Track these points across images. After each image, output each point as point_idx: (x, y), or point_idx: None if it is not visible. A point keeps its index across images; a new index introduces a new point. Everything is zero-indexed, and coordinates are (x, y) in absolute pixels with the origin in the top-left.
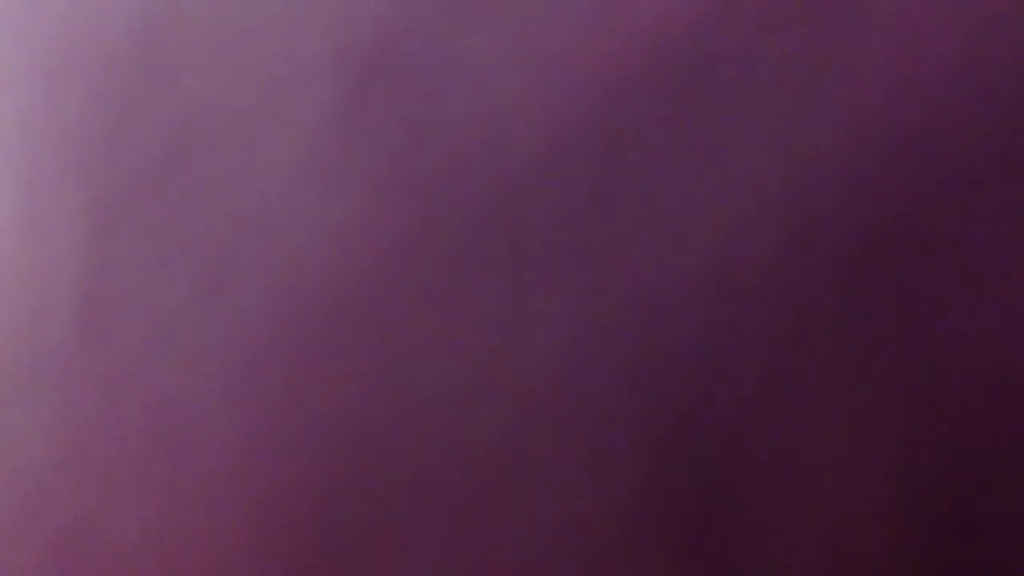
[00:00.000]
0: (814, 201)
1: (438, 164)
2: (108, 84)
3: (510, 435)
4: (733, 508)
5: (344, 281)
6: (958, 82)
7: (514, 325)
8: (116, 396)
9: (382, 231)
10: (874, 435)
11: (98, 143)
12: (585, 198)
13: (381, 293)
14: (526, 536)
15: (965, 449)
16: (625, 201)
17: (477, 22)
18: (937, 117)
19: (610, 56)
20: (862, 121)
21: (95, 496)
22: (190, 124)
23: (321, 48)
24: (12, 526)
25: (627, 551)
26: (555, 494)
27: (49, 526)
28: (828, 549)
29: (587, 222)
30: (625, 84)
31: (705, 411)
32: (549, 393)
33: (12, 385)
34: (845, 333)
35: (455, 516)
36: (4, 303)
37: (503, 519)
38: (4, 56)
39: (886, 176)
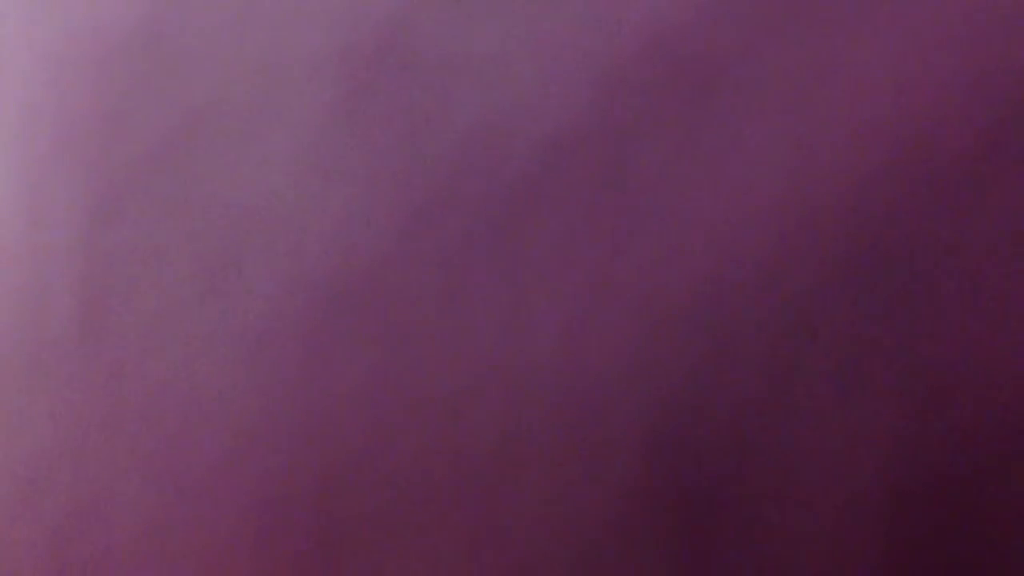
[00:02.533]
0: (815, 200)
1: (441, 158)
2: (112, 74)
3: (508, 431)
4: (729, 506)
5: (345, 274)
6: (961, 84)
7: (514, 322)
8: (116, 386)
9: (384, 224)
10: (870, 435)
11: (101, 133)
12: (586, 195)
13: (381, 287)
14: (523, 531)
15: (960, 449)
16: (627, 199)
17: (482, 17)
18: (939, 119)
19: (613, 53)
20: (864, 122)
21: (95, 483)
22: (193, 114)
23: (326, 40)
24: (12, 513)
25: (623, 548)
26: (552, 490)
27: (49, 513)
28: (823, 547)
29: (588, 219)
30: (628, 82)
31: (703, 410)
32: (548, 389)
33: (13, 374)
34: (844, 333)
35: (453, 510)
36: (6, 292)
37: (500, 514)
38: (7, 47)
39: (888, 176)
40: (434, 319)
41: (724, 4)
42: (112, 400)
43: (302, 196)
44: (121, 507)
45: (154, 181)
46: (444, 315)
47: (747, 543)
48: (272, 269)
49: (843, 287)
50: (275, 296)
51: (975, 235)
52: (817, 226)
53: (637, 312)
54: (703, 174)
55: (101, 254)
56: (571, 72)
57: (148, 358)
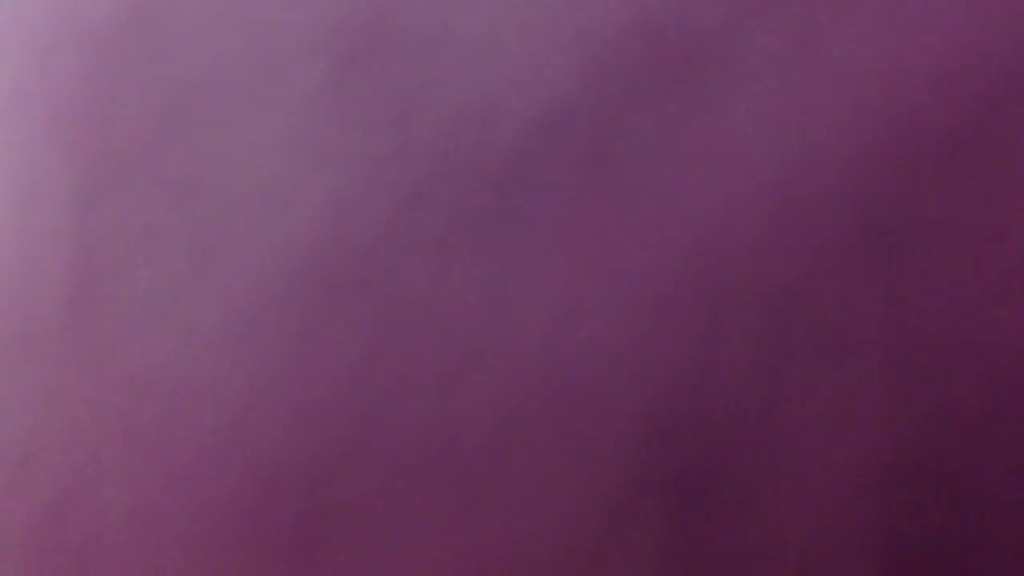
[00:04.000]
0: (805, 181)
1: (429, 141)
2: (98, 59)
3: (498, 418)
4: (721, 489)
5: (333, 259)
6: (951, 63)
7: (503, 306)
8: (105, 368)
9: (372, 209)
10: (861, 417)
11: (89, 115)
12: (575, 178)
13: (370, 272)
14: (514, 517)
15: (952, 430)
16: (616, 181)
17: (470, 0)
18: (929, 99)
19: (602, 33)
20: (854, 102)
21: (84, 466)
22: (181, 99)
23: (312, 23)
24: (1, 495)
25: (615, 533)
26: (542, 479)
27: (37, 499)
28: (815, 528)
29: (578, 202)
30: (617, 62)
31: (695, 394)
32: (537, 374)
33: (1, 356)
34: (834, 315)
35: (442, 495)
36: None
37: (490, 500)
38: None
39: (878, 157)
40: (423, 302)
41: None
42: (101, 383)
43: (291, 178)
44: (110, 490)
45: (142, 164)
46: (433, 298)
47: (740, 526)
48: (261, 251)
49: (833, 269)
50: (264, 279)
51: (965, 216)
52: (807, 208)
53: (627, 295)
54: (692, 156)
55: (90, 237)
56: (560, 52)
57: (137, 340)
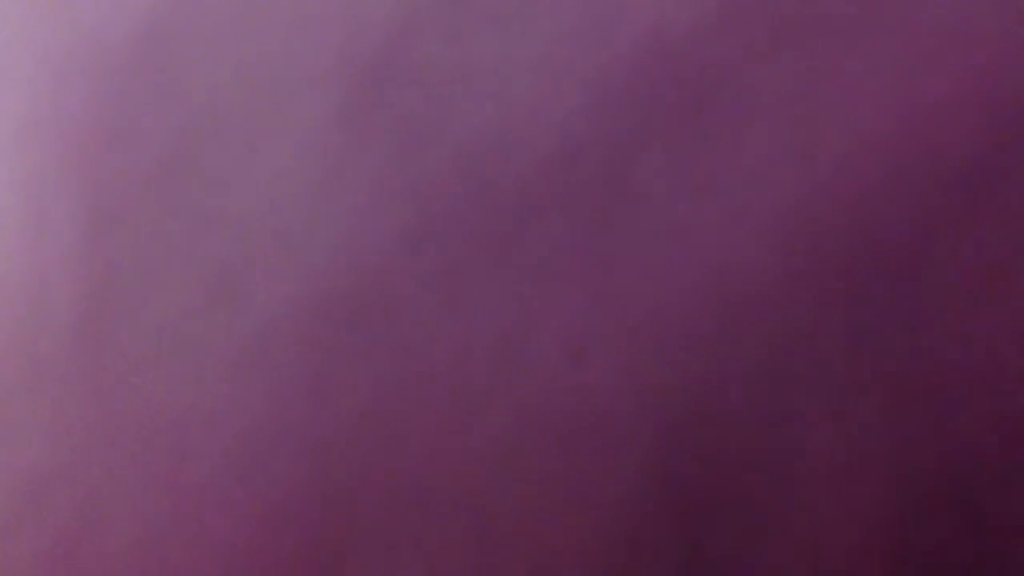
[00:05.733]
0: (817, 210)
1: (443, 168)
2: (112, 83)
3: (512, 442)
4: (731, 516)
5: (346, 289)
6: (963, 91)
7: (517, 332)
8: (117, 398)
9: (387, 235)
10: (872, 443)
11: (100, 143)
12: (590, 205)
13: (385, 298)
14: (525, 544)
15: (963, 455)
16: (629, 209)
17: (483, 27)
18: (941, 128)
19: (614, 66)
20: (865, 132)
21: (95, 496)
22: (194, 125)
23: (327, 49)
24: (11, 526)
25: (626, 560)
26: (557, 500)
27: (48, 527)
28: (826, 554)
29: (592, 229)
30: (629, 95)
31: (705, 421)
32: (550, 402)
33: (11, 385)
34: (845, 343)
35: (454, 523)
36: (3, 303)
37: (502, 528)
38: (6, 54)
39: (889, 186)
40: (436, 333)
41: (724, 15)
42: (112, 411)
43: (304, 207)
44: (121, 519)
45: (154, 191)
46: (446, 329)
47: (750, 553)
48: (274, 280)
49: (844, 297)
50: (277, 307)
51: (977, 245)
52: (817, 241)
53: (639, 324)
54: (704, 188)
55: (100, 265)
56: (573, 83)
57: (149, 369)
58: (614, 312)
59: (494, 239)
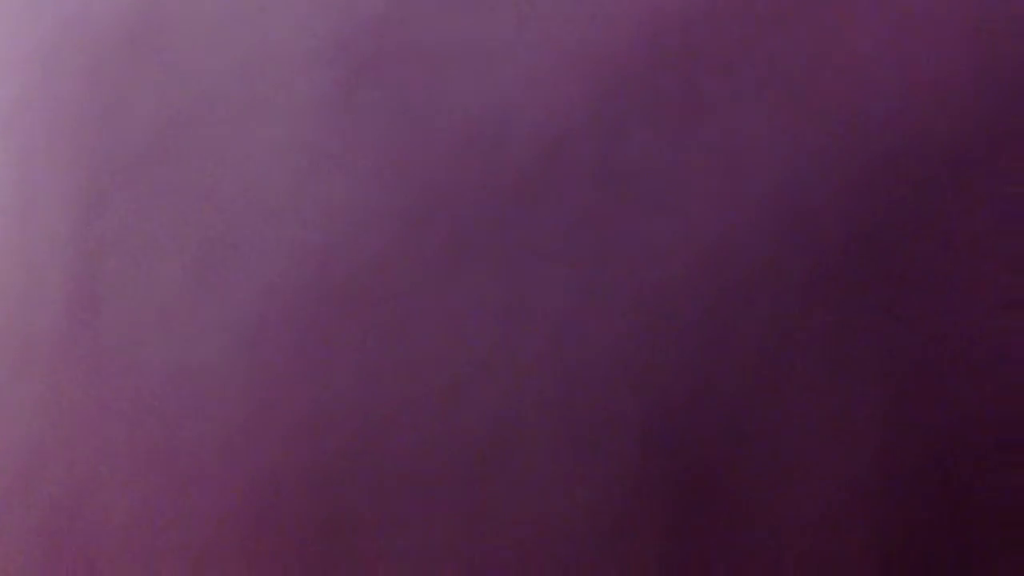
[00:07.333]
0: (809, 196)
1: (438, 153)
2: (103, 67)
3: (502, 424)
4: (722, 495)
5: (341, 268)
6: (961, 76)
7: (511, 317)
8: (107, 378)
9: (380, 219)
10: (863, 423)
11: (92, 125)
12: (582, 191)
13: (378, 281)
14: (517, 524)
15: (952, 445)
16: (623, 194)
17: (479, 11)
18: (938, 112)
19: (610, 46)
20: (859, 117)
21: (86, 479)
22: (186, 106)
23: (321, 34)
24: (4, 502)
25: (617, 539)
26: (546, 483)
27: (38, 506)
28: (816, 533)
29: (584, 214)
30: (623, 76)
31: (697, 401)
32: (542, 383)
33: (3, 364)
34: (838, 324)
35: (446, 503)
36: None
37: (494, 507)
38: None
39: (882, 173)
40: (429, 313)
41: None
42: (103, 391)
43: (297, 188)
44: (113, 498)
45: (146, 172)
46: (439, 309)
47: (738, 535)
48: (266, 261)
49: (838, 278)
50: (268, 289)
51: (971, 228)
52: (810, 221)
53: (631, 304)
54: (698, 168)
55: (92, 245)
56: (568, 65)
57: (140, 348)
58: (605, 294)
59: (488, 220)
